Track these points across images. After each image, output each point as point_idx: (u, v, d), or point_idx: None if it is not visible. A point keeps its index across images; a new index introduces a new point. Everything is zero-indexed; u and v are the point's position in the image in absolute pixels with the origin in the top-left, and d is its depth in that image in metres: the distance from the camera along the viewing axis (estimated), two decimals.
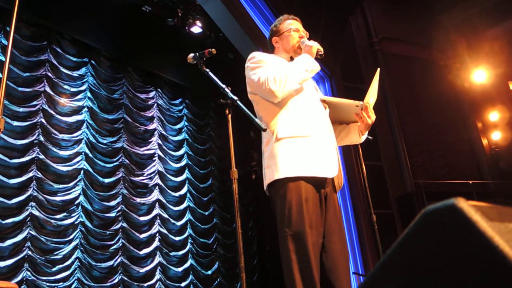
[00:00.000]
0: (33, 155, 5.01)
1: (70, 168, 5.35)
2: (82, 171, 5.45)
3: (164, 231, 6.19)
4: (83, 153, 5.53)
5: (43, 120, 5.20)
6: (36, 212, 4.83)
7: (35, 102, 5.19)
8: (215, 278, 6.64)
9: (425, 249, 0.54)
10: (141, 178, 6.20)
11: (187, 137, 7.11)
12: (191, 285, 6.23)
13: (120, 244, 5.56)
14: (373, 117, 2.18)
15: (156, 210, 6.20)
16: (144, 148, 6.40)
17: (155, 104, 6.78)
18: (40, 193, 4.94)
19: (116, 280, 5.36)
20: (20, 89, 5.06)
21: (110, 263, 5.37)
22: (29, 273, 4.58)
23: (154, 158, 6.46)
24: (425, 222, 0.54)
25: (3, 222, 4.56)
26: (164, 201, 6.36)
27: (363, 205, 5.99)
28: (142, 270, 5.70)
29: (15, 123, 4.94)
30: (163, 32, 6.26)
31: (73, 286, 4.94)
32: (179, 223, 6.44)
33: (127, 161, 6.05)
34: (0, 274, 4.35)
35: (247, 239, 7.27)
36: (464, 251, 0.50)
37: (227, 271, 6.84)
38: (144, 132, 6.48)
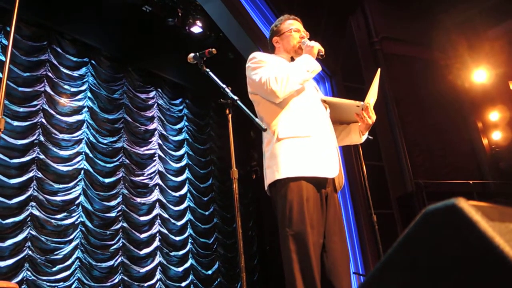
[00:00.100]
0: (34, 155, 5.01)
1: (70, 168, 5.35)
2: (82, 171, 5.45)
3: (165, 231, 6.19)
4: (83, 153, 5.53)
5: (43, 120, 5.20)
6: (36, 212, 4.83)
7: (35, 102, 5.19)
8: (216, 278, 6.65)
9: (425, 249, 0.54)
10: (141, 178, 6.20)
11: (188, 137, 7.12)
12: (192, 285, 6.23)
13: (121, 244, 5.56)
14: (374, 117, 2.18)
15: (157, 210, 6.20)
16: (145, 148, 6.40)
17: (155, 104, 6.79)
18: (40, 193, 4.94)
19: (116, 280, 5.36)
20: (20, 89, 5.06)
21: (111, 263, 5.38)
22: (29, 273, 4.58)
23: (154, 158, 6.46)
24: (425, 222, 0.54)
25: (4, 222, 4.56)
26: (164, 201, 6.36)
27: (363, 205, 5.99)
28: (143, 270, 5.70)
29: (16, 123, 4.94)
30: (163, 32, 6.26)
31: (74, 286, 4.94)
32: (179, 223, 6.44)
33: (127, 161, 6.05)
34: (0, 274, 4.35)
35: (247, 239, 7.27)
36: (464, 251, 0.50)
37: (227, 271, 6.84)
38: (144, 132, 6.48)
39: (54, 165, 5.18)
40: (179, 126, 7.07)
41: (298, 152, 1.94)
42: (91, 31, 5.93)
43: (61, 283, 4.83)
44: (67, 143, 5.43)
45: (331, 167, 1.97)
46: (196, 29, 6.29)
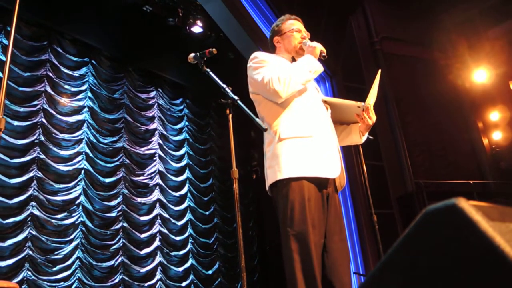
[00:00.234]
0: (34, 155, 5.01)
1: (70, 168, 5.35)
2: (82, 171, 5.45)
3: (165, 231, 6.19)
4: (83, 153, 5.53)
5: (43, 120, 5.20)
6: (36, 212, 4.83)
7: (35, 102, 5.19)
8: (216, 278, 6.65)
9: (425, 249, 0.54)
10: (141, 178, 6.20)
11: (188, 137, 7.12)
12: (192, 285, 6.23)
13: (121, 244, 5.56)
14: (374, 118, 2.19)
15: (157, 210, 6.20)
16: (145, 148, 6.40)
17: (156, 104, 6.79)
18: (40, 193, 4.94)
19: (116, 280, 5.36)
20: (20, 89, 5.06)
21: (111, 262, 5.38)
22: (29, 272, 4.58)
23: (154, 158, 6.46)
24: (425, 222, 0.54)
25: (4, 222, 4.56)
26: (164, 201, 6.36)
27: (363, 205, 5.99)
28: (143, 270, 5.70)
29: (16, 123, 4.94)
30: (163, 32, 6.26)
31: (74, 285, 4.94)
32: (179, 223, 6.44)
33: (127, 161, 6.05)
34: (0, 274, 4.36)
35: (247, 239, 7.27)
36: (465, 251, 0.50)
37: (227, 271, 6.84)
38: (144, 132, 6.48)
39: (55, 165, 5.18)
40: (179, 126, 7.07)
41: (300, 152, 1.94)
42: (91, 31, 5.93)
43: (62, 283, 4.83)
44: (68, 143, 5.43)
45: (333, 167, 1.97)
46: (197, 29, 6.29)
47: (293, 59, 2.27)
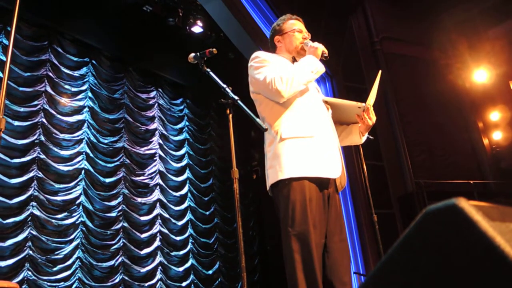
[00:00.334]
0: (34, 155, 5.01)
1: (71, 168, 5.35)
2: (83, 171, 5.45)
3: (165, 230, 6.19)
4: (84, 153, 5.53)
5: (44, 120, 5.20)
6: (37, 212, 4.84)
7: (36, 102, 5.19)
8: (216, 278, 6.65)
9: (426, 249, 0.54)
10: (142, 178, 6.20)
11: (188, 137, 7.12)
12: (192, 285, 6.23)
13: (121, 244, 5.56)
14: (374, 118, 2.19)
15: (157, 210, 6.20)
16: (145, 148, 6.40)
17: (156, 104, 6.79)
18: (41, 193, 4.94)
19: (117, 280, 5.36)
20: (21, 89, 5.07)
21: (111, 262, 5.38)
22: (30, 272, 4.58)
23: (155, 158, 6.46)
24: (426, 222, 0.54)
25: (4, 222, 4.56)
26: (165, 200, 6.36)
27: (364, 204, 5.99)
28: (143, 270, 5.70)
29: (16, 123, 4.94)
30: (164, 32, 6.26)
31: (74, 285, 4.94)
32: (180, 223, 6.44)
33: (128, 161, 6.05)
34: (1, 274, 4.36)
35: (248, 238, 7.27)
36: (465, 251, 0.50)
37: (228, 271, 6.84)
38: (145, 132, 6.48)
39: (55, 165, 5.18)
40: (179, 126, 7.07)
41: (301, 152, 1.94)
42: (91, 31, 5.93)
43: (62, 283, 4.84)
44: (68, 143, 5.43)
45: (334, 167, 1.97)
46: (197, 29, 6.29)
47: (294, 59, 2.27)
